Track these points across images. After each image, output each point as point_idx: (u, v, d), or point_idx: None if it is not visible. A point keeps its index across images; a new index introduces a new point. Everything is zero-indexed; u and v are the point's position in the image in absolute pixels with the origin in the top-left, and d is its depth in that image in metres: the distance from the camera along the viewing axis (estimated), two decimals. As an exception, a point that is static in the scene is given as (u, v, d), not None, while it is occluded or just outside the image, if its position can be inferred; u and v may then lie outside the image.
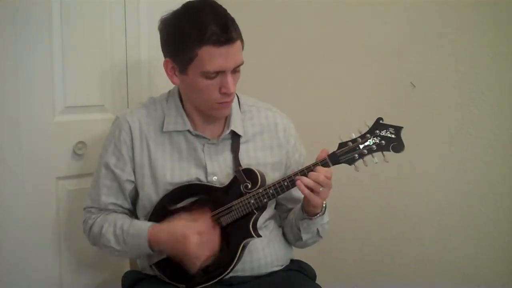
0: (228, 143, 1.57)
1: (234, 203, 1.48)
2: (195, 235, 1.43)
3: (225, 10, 1.45)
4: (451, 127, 1.80)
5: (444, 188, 1.84)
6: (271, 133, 1.61)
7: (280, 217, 1.68)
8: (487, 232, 1.78)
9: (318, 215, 1.51)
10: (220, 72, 1.43)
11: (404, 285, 1.93)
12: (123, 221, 1.54)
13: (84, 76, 1.83)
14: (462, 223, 1.82)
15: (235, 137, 1.57)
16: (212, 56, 1.39)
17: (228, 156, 1.56)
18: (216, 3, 1.46)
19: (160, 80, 1.93)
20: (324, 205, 1.51)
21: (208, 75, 1.42)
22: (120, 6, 1.91)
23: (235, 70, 1.46)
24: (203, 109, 1.52)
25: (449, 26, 1.77)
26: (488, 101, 1.73)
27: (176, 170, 1.54)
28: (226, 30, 1.39)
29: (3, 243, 1.71)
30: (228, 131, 1.55)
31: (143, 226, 1.50)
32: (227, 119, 1.57)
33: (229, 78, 1.43)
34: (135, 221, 1.54)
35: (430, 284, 1.88)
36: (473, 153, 1.77)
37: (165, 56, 1.49)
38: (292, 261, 1.68)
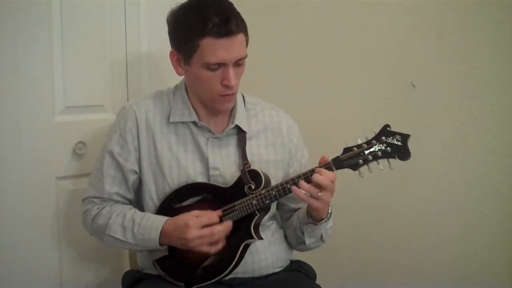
0: (233, 138, 1.58)
1: (236, 203, 1.48)
2: (195, 223, 1.42)
3: (230, 4, 1.47)
4: (451, 127, 1.80)
5: (444, 188, 1.84)
6: (275, 131, 1.62)
7: (282, 218, 1.68)
8: (487, 232, 1.78)
9: (323, 220, 1.50)
10: (221, 65, 1.44)
11: (404, 285, 1.93)
12: (134, 213, 1.54)
13: (84, 76, 1.83)
14: (462, 223, 1.82)
15: (241, 133, 1.58)
16: (213, 48, 1.41)
17: (232, 151, 1.57)
18: None
19: (161, 79, 1.94)
20: (329, 210, 1.50)
21: (209, 67, 1.44)
22: (120, 6, 1.91)
23: (238, 64, 1.46)
24: (206, 101, 1.53)
25: (449, 26, 1.77)
26: (488, 101, 1.73)
27: (182, 162, 1.54)
28: (227, 23, 1.40)
29: (3, 243, 1.71)
30: (232, 126, 1.56)
31: (157, 220, 1.49)
32: (231, 114, 1.58)
33: (231, 70, 1.44)
34: (149, 214, 1.54)
35: (430, 284, 1.88)
36: (473, 153, 1.77)
37: (171, 47, 1.51)
38: (292, 261, 1.68)
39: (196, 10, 1.44)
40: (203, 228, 1.42)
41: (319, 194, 1.39)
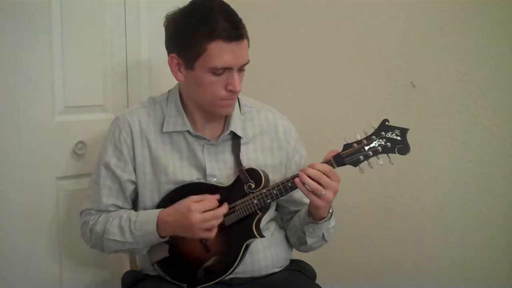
0: (228, 144, 1.57)
1: (237, 203, 1.47)
2: (198, 208, 1.41)
3: (233, 10, 1.46)
4: (451, 127, 1.80)
5: (444, 188, 1.84)
6: (271, 134, 1.61)
7: (282, 220, 1.68)
8: (487, 232, 1.78)
9: (324, 219, 1.49)
10: (227, 69, 1.43)
11: (404, 285, 1.93)
12: (129, 213, 1.53)
13: (84, 76, 1.83)
14: (462, 223, 1.82)
15: (235, 138, 1.57)
16: (221, 52, 1.40)
17: (228, 157, 1.56)
18: (224, 2, 1.47)
19: (160, 80, 1.94)
20: (330, 210, 1.50)
21: (215, 71, 1.43)
22: (120, 6, 1.91)
23: (241, 69, 1.46)
24: (207, 106, 1.51)
25: (449, 26, 1.78)
26: (488, 101, 1.73)
27: (178, 170, 1.54)
28: (236, 27, 1.41)
29: (3, 243, 1.71)
30: (227, 132, 1.55)
31: (152, 212, 1.49)
32: (226, 120, 1.57)
33: (236, 75, 1.44)
34: (143, 211, 1.54)
35: (430, 284, 1.88)
36: (473, 153, 1.77)
37: (170, 52, 1.49)
38: (292, 261, 1.68)
39: (202, 14, 1.42)
40: (206, 212, 1.42)
41: (322, 192, 1.38)
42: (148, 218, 1.48)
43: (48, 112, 1.78)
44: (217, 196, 1.46)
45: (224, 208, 1.45)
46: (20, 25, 1.68)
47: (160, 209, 1.49)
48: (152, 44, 1.96)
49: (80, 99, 1.84)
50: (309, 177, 1.38)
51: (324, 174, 1.38)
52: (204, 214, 1.41)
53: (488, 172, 1.76)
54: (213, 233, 1.43)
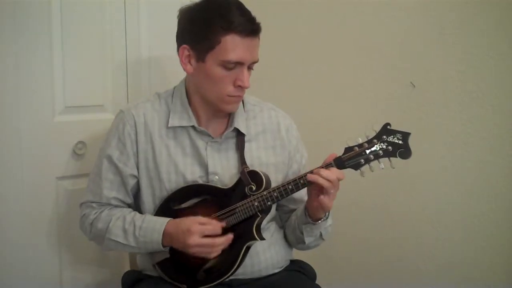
0: (232, 142, 1.57)
1: (237, 205, 1.47)
2: (198, 231, 1.41)
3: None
4: (451, 127, 1.80)
5: (444, 188, 1.84)
6: (274, 133, 1.61)
7: (281, 219, 1.68)
8: (487, 232, 1.78)
9: (321, 219, 1.50)
10: (238, 65, 1.44)
11: (404, 285, 1.93)
12: (134, 215, 1.52)
13: (84, 76, 1.83)
14: (462, 223, 1.82)
15: (239, 136, 1.57)
16: (236, 45, 1.41)
17: (231, 155, 1.56)
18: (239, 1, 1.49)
19: (160, 79, 1.94)
20: None
21: (227, 65, 1.43)
22: (120, 6, 1.91)
23: (250, 67, 1.47)
24: (213, 101, 1.50)
25: (449, 26, 1.78)
26: (488, 101, 1.73)
27: (180, 166, 1.53)
28: (253, 22, 1.43)
29: (3, 243, 1.71)
30: (231, 129, 1.55)
31: (158, 222, 1.48)
32: (230, 117, 1.57)
33: (245, 72, 1.45)
34: (149, 216, 1.52)
35: (430, 284, 1.88)
36: (473, 153, 1.77)
37: (182, 43, 1.49)
38: (292, 261, 1.67)
39: (219, 7, 1.44)
40: (205, 237, 1.41)
41: (331, 191, 1.39)
42: (154, 227, 1.48)
43: (48, 112, 1.78)
44: (223, 224, 1.45)
45: (225, 239, 1.43)
46: (20, 25, 1.68)
47: (168, 220, 1.48)
48: (152, 44, 1.96)
49: (80, 99, 1.84)
50: (326, 179, 1.39)
51: (338, 178, 1.40)
52: (202, 240, 1.41)
53: (488, 172, 1.76)
54: (212, 255, 1.43)
